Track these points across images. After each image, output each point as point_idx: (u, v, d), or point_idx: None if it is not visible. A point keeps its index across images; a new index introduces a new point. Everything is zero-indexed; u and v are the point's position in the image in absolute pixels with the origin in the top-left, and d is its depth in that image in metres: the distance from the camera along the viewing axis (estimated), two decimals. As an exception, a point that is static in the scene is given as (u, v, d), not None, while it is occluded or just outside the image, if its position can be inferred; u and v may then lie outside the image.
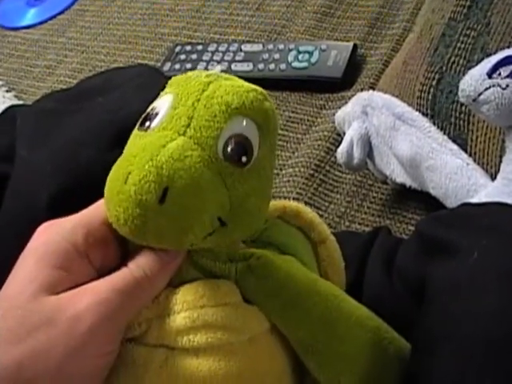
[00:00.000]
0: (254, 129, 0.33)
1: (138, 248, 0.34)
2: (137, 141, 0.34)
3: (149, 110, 0.35)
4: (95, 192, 0.35)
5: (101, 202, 0.34)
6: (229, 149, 0.33)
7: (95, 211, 0.34)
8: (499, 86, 0.47)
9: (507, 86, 0.47)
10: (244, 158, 0.33)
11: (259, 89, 0.35)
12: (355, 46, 0.80)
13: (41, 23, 1.09)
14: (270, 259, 0.35)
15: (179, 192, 0.31)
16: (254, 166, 0.33)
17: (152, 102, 0.35)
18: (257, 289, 0.35)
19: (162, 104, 0.34)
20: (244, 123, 0.33)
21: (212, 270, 0.35)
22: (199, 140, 0.32)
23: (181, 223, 0.31)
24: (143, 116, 0.35)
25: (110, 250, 0.34)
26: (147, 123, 0.34)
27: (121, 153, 0.34)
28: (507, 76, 0.47)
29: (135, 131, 0.35)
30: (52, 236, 0.33)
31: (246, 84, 0.35)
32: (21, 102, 0.92)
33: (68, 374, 0.31)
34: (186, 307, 0.33)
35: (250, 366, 0.34)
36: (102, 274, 0.33)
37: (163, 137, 0.32)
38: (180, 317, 0.33)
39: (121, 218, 0.31)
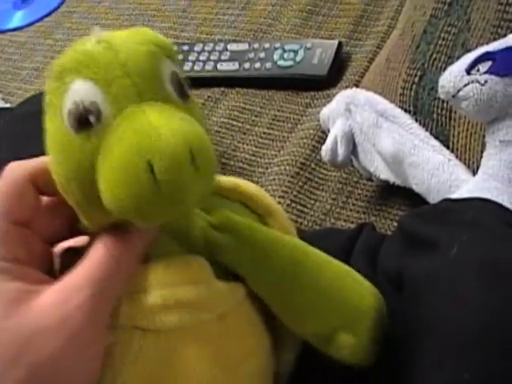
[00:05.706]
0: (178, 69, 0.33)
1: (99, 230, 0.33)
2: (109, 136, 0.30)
3: (73, 108, 0.30)
4: None
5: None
6: (175, 85, 0.32)
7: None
8: (478, 82, 0.47)
9: (486, 81, 0.47)
10: (184, 92, 0.33)
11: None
12: (340, 43, 0.80)
13: (28, 25, 1.09)
14: (227, 214, 0.36)
15: (201, 152, 0.30)
16: (191, 107, 0.33)
17: None
18: (223, 246, 0.35)
19: (87, 95, 0.30)
20: (171, 63, 0.33)
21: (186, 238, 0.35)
22: (156, 96, 0.31)
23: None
24: (73, 118, 0.30)
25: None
26: (91, 118, 0.30)
27: None
28: (486, 72, 0.47)
29: (72, 136, 0.30)
30: None
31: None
32: (8, 105, 0.92)
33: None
34: (158, 286, 0.33)
35: (221, 344, 0.34)
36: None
37: (134, 114, 0.30)
38: (151, 295, 0.32)
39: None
